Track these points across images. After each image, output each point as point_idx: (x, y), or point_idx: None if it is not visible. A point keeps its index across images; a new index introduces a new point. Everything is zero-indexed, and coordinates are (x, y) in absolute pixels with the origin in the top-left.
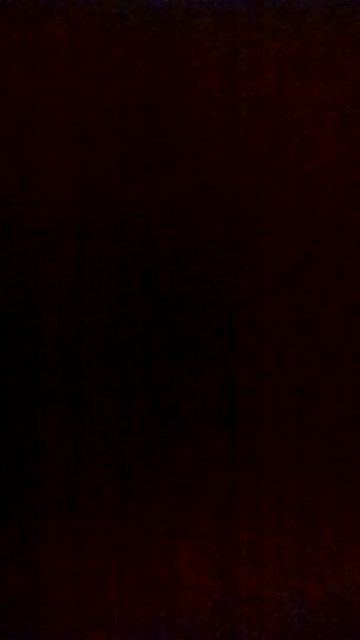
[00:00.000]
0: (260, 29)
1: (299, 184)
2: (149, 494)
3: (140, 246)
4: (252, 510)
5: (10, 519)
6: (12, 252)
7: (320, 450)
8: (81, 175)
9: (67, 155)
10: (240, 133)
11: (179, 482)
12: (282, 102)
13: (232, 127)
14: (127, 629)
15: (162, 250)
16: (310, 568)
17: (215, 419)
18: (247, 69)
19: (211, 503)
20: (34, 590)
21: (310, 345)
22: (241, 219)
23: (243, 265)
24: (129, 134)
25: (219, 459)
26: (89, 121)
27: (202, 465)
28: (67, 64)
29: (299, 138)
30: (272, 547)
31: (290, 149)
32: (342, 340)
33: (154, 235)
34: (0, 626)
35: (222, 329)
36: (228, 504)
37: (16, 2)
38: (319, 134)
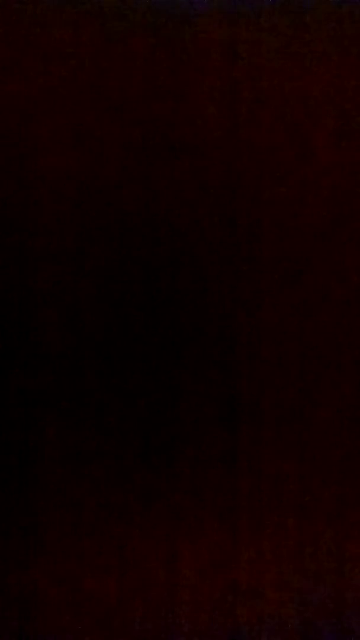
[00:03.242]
0: (260, 29)
1: (299, 184)
2: (149, 494)
3: (140, 246)
4: (252, 510)
5: (10, 518)
6: (12, 252)
7: (320, 450)
8: (81, 175)
9: (67, 155)
10: (240, 133)
11: (179, 483)
12: (282, 102)
13: (232, 127)
14: (127, 629)
15: (162, 250)
16: (310, 568)
17: (215, 419)
18: (247, 69)
19: (211, 503)
20: (34, 590)
21: (310, 345)
22: (241, 219)
23: (243, 265)
24: (129, 134)
25: (219, 459)
26: (89, 121)
27: (202, 465)
28: (67, 64)
29: (299, 138)
30: (272, 547)
31: (290, 149)
32: (342, 340)
33: (154, 235)
34: (0, 626)
35: (222, 329)
36: (228, 504)
37: (16, 2)
38: (319, 134)
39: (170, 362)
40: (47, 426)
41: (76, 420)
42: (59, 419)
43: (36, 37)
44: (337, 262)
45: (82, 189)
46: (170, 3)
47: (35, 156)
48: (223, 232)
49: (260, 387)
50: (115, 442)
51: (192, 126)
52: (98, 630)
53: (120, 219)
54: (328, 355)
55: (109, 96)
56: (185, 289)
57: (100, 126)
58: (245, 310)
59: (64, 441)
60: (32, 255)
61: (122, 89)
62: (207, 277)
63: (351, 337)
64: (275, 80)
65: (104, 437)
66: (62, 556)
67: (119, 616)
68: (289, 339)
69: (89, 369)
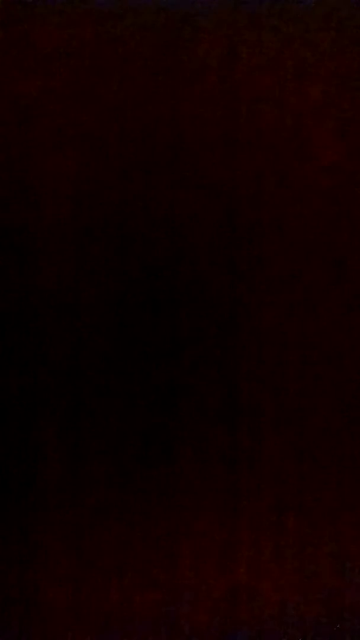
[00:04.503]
0: (260, 29)
1: (299, 184)
2: (149, 494)
3: (140, 246)
4: (252, 510)
5: (10, 518)
6: (12, 252)
7: (320, 450)
8: (81, 175)
9: (67, 155)
10: (240, 133)
11: (179, 482)
12: (282, 102)
13: (232, 127)
14: (127, 629)
15: (162, 250)
16: (310, 568)
17: (215, 419)
18: (247, 69)
19: (211, 503)
20: (34, 590)
21: (310, 345)
22: (241, 219)
23: (243, 265)
24: (129, 134)
25: (219, 459)
26: (89, 121)
27: (202, 465)
28: (67, 64)
29: (299, 138)
30: (272, 547)
31: (290, 149)
32: (342, 340)
33: (154, 235)
34: (0, 626)
35: (222, 329)
36: (228, 504)
37: (16, 2)
38: (319, 134)
39: (170, 362)
40: (47, 426)
41: (76, 420)
42: (59, 419)
43: (36, 37)
44: (337, 262)
45: (82, 188)
46: (170, 3)
47: (35, 156)
48: (223, 232)
49: (260, 387)
50: (115, 442)
51: (192, 126)
52: (98, 630)
53: (120, 219)
54: (328, 355)
55: (109, 96)
56: (185, 288)
57: (100, 126)
58: (245, 311)
59: (64, 441)
60: (32, 255)
61: (122, 89)
62: (207, 277)
63: (351, 337)
64: (275, 80)
65: (104, 437)
66: (62, 556)
67: (119, 616)
68: (289, 339)
69: (89, 368)
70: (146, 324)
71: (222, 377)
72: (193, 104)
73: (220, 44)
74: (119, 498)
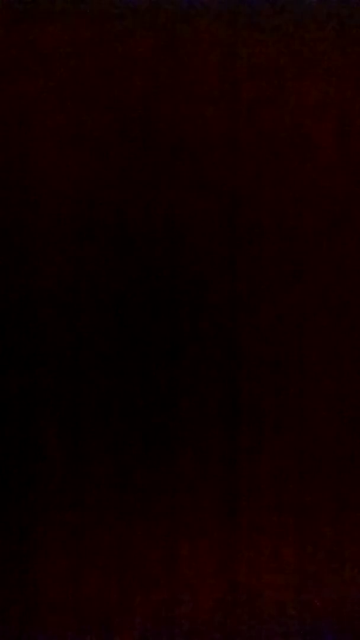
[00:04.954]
0: (260, 29)
1: (299, 184)
2: (149, 494)
3: (140, 246)
4: (252, 510)
5: (10, 518)
6: (12, 252)
7: (320, 450)
8: (81, 175)
9: (67, 155)
10: (240, 133)
11: (179, 482)
12: (282, 102)
13: (232, 127)
14: (127, 629)
15: (162, 250)
16: (310, 568)
17: (215, 419)
18: (247, 69)
19: (211, 503)
20: (34, 590)
21: (310, 345)
22: (241, 219)
23: (243, 265)
24: (129, 134)
25: (219, 459)
26: (89, 121)
27: (202, 465)
28: (67, 64)
29: (299, 138)
30: (272, 547)
31: (290, 149)
32: (342, 340)
33: (154, 235)
34: (0, 626)
35: (222, 330)
36: (228, 504)
37: (16, 2)
38: (319, 134)
39: (170, 362)
40: (47, 426)
41: (76, 420)
42: (59, 419)
43: (36, 37)
44: (337, 262)
45: (82, 189)
46: (170, 3)
47: (35, 156)
48: (223, 232)
49: (260, 387)
50: (115, 442)
51: (192, 126)
52: (98, 630)
53: (120, 218)
54: (328, 356)
55: (109, 96)
56: (185, 288)
57: (100, 126)
58: (245, 311)
59: (64, 441)
60: (32, 255)
61: (122, 89)
62: (207, 277)
63: (351, 338)
64: (275, 80)
65: (104, 437)
66: (62, 556)
67: (119, 616)
68: (289, 339)
69: (89, 369)
70: (146, 324)
71: (222, 377)
72: (193, 104)
73: (220, 44)
74: (119, 498)
